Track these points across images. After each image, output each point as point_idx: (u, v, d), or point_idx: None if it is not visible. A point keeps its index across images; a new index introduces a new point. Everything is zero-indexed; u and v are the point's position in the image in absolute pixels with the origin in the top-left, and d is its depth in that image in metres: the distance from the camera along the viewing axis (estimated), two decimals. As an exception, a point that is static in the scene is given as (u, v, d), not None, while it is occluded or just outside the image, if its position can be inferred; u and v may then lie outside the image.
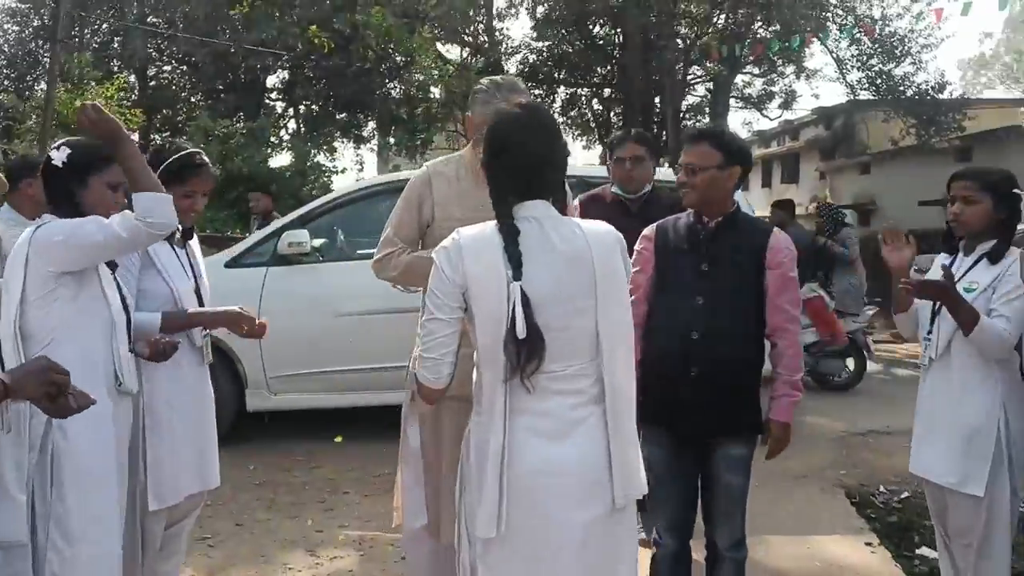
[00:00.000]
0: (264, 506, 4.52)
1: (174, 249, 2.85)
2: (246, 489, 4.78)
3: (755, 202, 28.91)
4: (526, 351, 1.89)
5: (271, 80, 26.62)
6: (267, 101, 27.18)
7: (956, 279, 2.77)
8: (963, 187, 2.78)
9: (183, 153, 2.82)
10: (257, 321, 2.92)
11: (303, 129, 24.70)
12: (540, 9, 20.29)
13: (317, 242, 5.89)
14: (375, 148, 27.63)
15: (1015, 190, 2.77)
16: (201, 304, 2.90)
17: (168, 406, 2.75)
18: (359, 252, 5.74)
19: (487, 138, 2.09)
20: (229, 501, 4.55)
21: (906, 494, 4.86)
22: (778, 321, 2.77)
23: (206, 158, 2.90)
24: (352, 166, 30.49)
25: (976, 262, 2.79)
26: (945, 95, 18.52)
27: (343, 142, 26.72)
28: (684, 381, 2.69)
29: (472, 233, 1.99)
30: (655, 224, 2.94)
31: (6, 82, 27.53)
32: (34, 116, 15.54)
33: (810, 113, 27.75)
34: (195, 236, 3.03)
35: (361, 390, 5.54)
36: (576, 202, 3.61)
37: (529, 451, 1.94)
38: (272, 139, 23.23)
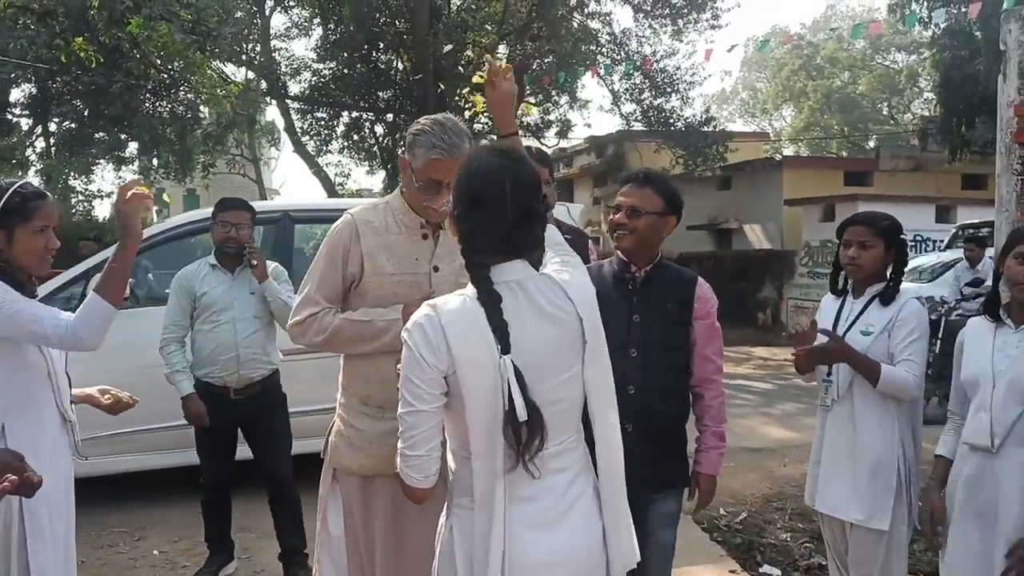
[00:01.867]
0: (91, 593, 3.94)
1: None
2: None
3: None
4: (527, 432, 1.68)
5: (15, 94, 24.14)
6: (8, 115, 24.60)
7: (851, 321, 2.92)
8: (859, 232, 2.94)
9: (20, 183, 2.39)
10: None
11: (54, 149, 22.55)
12: (320, 33, 19.84)
13: (132, 284, 5.30)
14: (137, 171, 25.75)
15: (902, 236, 2.97)
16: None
17: (50, 508, 2.35)
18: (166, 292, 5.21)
19: (460, 190, 1.83)
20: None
21: (744, 514, 5.10)
22: (705, 372, 2.77)
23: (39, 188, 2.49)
24: (113, 187, 28.16)
25: (867, 305, 2.95)
26: (709, 128, 20.07)
27: (101, 163, 24.67)
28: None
29: (451, 307, 1.74)
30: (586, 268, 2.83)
31: None
32: None
33: (583, 142, 29.13)
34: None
35: (180, 448, 4.99)
36: None
37: (528, 546, 1.75)
38: (18, 158, 21.03)
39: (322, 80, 21.11)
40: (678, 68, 19.83)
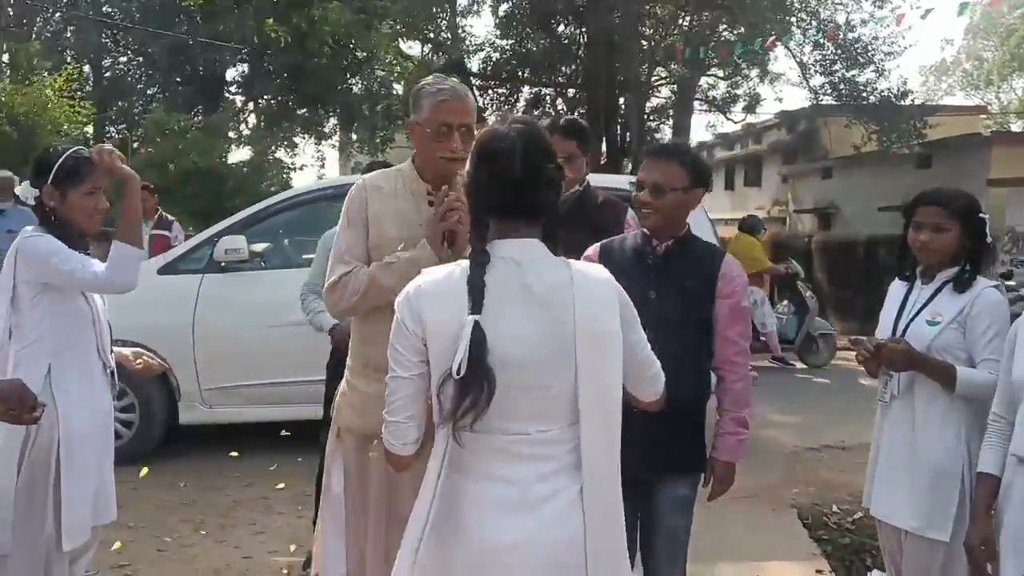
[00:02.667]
0: (190, 528, 4.27)
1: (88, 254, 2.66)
2: (174, 510, 4.53)
3: (719, 205, 29.04)
4: (460, 394, 1.61)
5: (231, 73, 26.21)
6: (226, 95, 26.75)
7: (917, 309, 2.63)
8: (932, 213, 2.61)
9: (75, 148, 2.62)
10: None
11: (263, 124, 24.29)
12: (503, 7, 20.08)
13: (260, 247, 5.65)
14: (336, 145, 27.30)
15: (980, 215, 2.63)
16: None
17: (83, 441, 2.54)
18: (305, 257, 5.50)
19: (473, 152, 1.80)
20: (153, 524, 4.30)
21: (859, 515, 4.74)
22: (727, 354, 2.60)
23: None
24: (313, 163, 30.10)
25: (937, 291, 2.64)
26: (907, 102, 18.61)
27: (304, 138, 26.35)
28: (626, 419, 2.49)
29: (436, 274, 1.74)
30: (599, 244, 2.71)
31: (-47, 71, 26.78)
32: (-19, 106, 15.04)
33: (774, 117, 27.88)
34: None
35: (299, 403, 5.29)
36: None
37: (489, 525, 1.68)
38: (231, 134, 22.85)
39: (503, 56, 21.45)
40: (875, 37, 18.46)
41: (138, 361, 2.81)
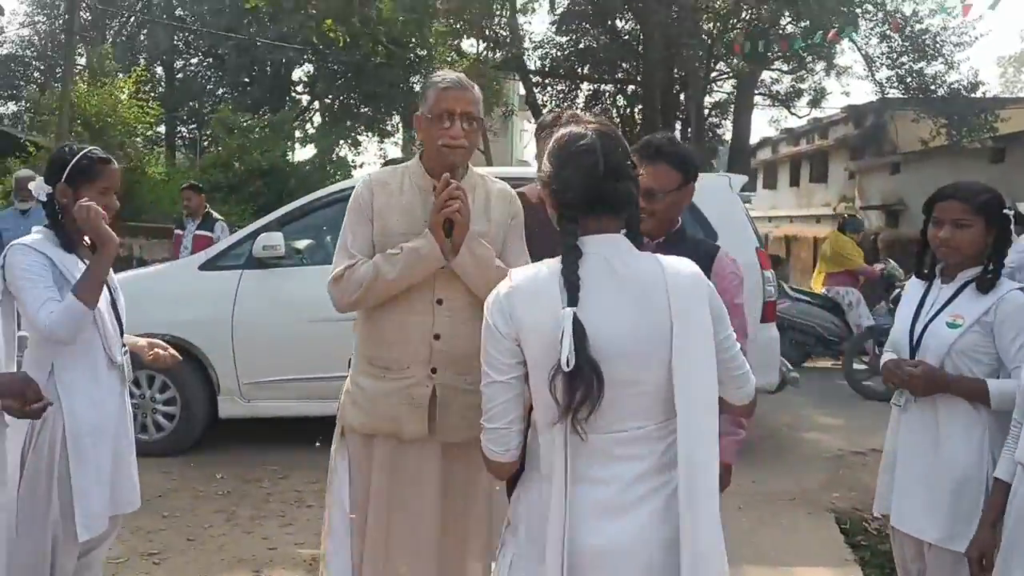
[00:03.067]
0: (223, 519, 4.35)
1: (85, 263, 2.67)
2: (208, 500, 4.62)
3: (784, 202, 28.42)
4: (572, 387, 1.60)
5: (297, 73, 26.72)
6: (293, 94, 27.26)
7: (936, 310, 2.53)
8: (953, 209, 2.49)
9: (86, 149, 2.66)
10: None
11: (327, 123, 24.69)
12: (561, 2, 20.00)
13: (301, 244, 5.73)
14: (399, 142, 27.58)
15: (1005, 210, 2.51)
16: (118, 316, 2.74)
17: (93, 433, 2.59)
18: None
19: (551, 152, 1.80)
20: (187, 513, 4.40)
21: (901, 520, 4.60)
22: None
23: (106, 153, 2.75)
24: (376, 160, 30.46)
25: (957, 292, 2.53)
26: (978, 95, 17.96)
27: (367, 136, 26.70)
28: None
29: (527, 274, 1.74)
30: None
31: (36, 74, 27.88)
32: (55, 108, 15.61)
33: (840, 111, 27.20)
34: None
35: (336, 398, 5.34)
36: None
37: (588, 529, 1.66)
38: (297, 133, 23.29)
39: (561, 52, 21.38)
40: (944, 28, 17.87)
41: (151, 353, 2.86)
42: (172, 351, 2.90)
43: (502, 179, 2.71)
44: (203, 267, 5.53)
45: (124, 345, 2.74)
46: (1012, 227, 2.53)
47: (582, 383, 1.60)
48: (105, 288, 2.66)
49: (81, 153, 2.64)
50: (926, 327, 2.54)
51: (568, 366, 1.59)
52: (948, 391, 2.44)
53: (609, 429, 1.67)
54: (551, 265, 1.73)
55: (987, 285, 2.48)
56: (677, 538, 1.65)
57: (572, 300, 1.64)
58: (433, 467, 2.49)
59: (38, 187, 2.61)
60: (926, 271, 2.67)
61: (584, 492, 1.66)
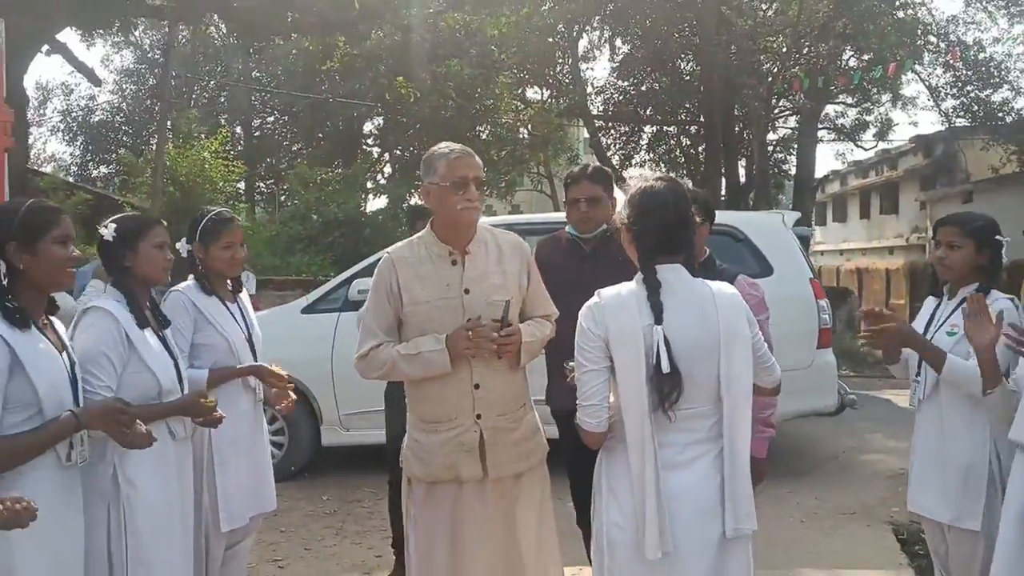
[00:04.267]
0: (332, 533, 4.89)
1: (224, 304, 3.23)
2: (318, 518, 5.18)
3: (854, 235, 27.96)
4: (668, 385, 2.20)
5: (367, 127, 27.78)
6: (364, 147, 28.34)
7: (941, 322, 2.92)
8: (947, 233, 2.93)
9: (213, 212, 3.24)
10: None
11: (397, 174, 25.62)
12: (622, 50, 20.58)
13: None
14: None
15: (997, 236, 2.91)
16: (254, 351, 3.29)
17: (231, 445, 3.13)
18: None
19: (633, 204, 2.36)
20: (301, 528, 4.95)
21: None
22: None
23: (232, 213, 3.30)
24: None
25: (958, 305, 2.92)
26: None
27: (437, 185, 27.43)
28: None
29: (612, 292, 2.31)
30: None
31: (124, 138, 29.45)
32: (147, 171, 16.69)
33: (908, 142, 27.08)
34: (243, 288, 3.44)
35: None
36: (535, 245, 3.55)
37: (663, 478, 2.23)
38: (368, 184, 24.21)
39: (623, 96, 21.91)
40: (1008, 55, 17.90)
41: (282, 405, 3.27)
42: (293, 399, 3.30)
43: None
44: (305, 311, 6.15)
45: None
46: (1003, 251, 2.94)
47: (673, 382, 2.20)
48: (243, 322, 3.23)
49: (208, 216, 3.22)
50: (933, 336, 2.95)
51: (666, 370, 2.18)
52: (915, 347, 2.85)
53: (677, 410, 2.23)
54: (629, 287, 2.30)
55: None
56: (719, 490, 2.27)
57: (658, 319, 2.22)
58: (490, 503, 2.76)
59: (182, 246, 3.17)
60: (938, 290, 3.08)
61: (658, 452, 2.24)
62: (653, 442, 2.24)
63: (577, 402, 2.30)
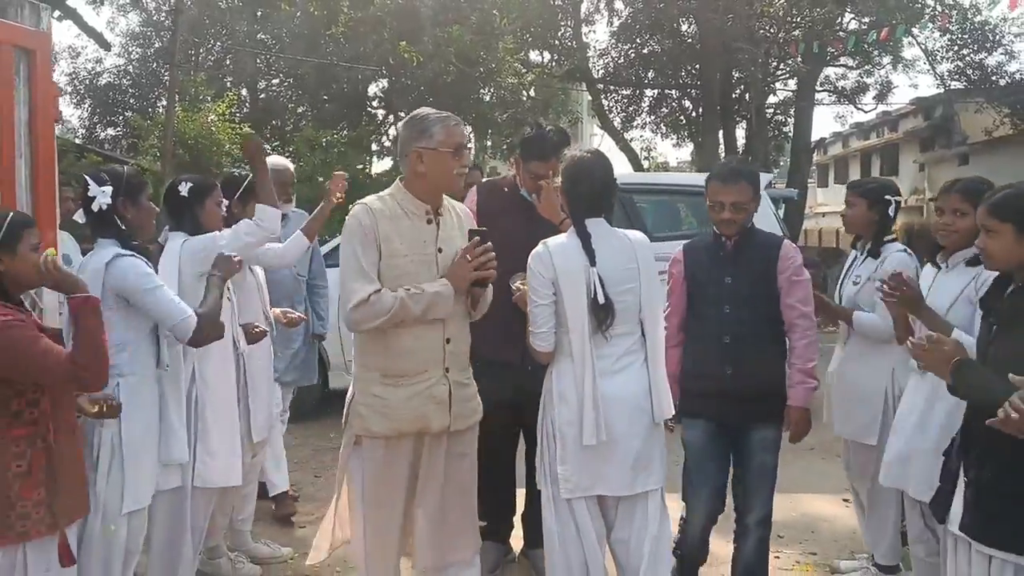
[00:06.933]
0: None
1: None
2: (325, 452, 5.73)
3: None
4: (604, 312, 2.81)
5: (372, 89, 27.99)
6: (369, 109, 28.57)
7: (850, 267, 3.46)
8: (846, 196, 3.56)
9: (251, 179, 3.79)
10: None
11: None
12: (623, 13, 20.74)
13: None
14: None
15: (887, 196, 3.40)
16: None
17: (257, 370, 3.72)
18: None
19: (567, 175, 2.94)
20: (311, 459, 5.53)
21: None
22: (789, 318, 3.16)
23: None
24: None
25: (861, 258, 3.56)
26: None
27: (440, 146, 27.67)
28: (719, 378, 3.16)
29: (555, 242, 2.91)
30: (682, 247, 3.39)
31: (131, 100, 29.71)
32: (155, 134, 17.05)
33: (908, 104, 27.28)
34: None
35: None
36: (472, 191, 3.69)
37: (603, 383, 2.83)
38: (373, 146, 24.50)
39: (625, 59, 22.09)
40: (1003, 19, 18.11)
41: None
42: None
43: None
44: (314, 266, 6.60)
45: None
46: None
47: (607, 309, 2.81)
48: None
49: (247, 182, 3.85)
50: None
51: (601, 300, 2.79)
52: (834, 316, 3.54)
53: (611, 330, 2.87)
54: (568, 237, 2.90)
55: (873, 251, 3.55)
56: (649, 386, 2.90)
57: (592, 262, 2.82)
58: (442, 454, 2.91)
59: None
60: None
61: (595, 363, 2.84)
62: (592, 356, 2.82)
63: (530, 330, 2.89)
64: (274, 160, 4.37)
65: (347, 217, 2.84)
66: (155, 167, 15.02)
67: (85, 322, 2.44)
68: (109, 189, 2.87)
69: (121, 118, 28.15)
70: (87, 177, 2.88)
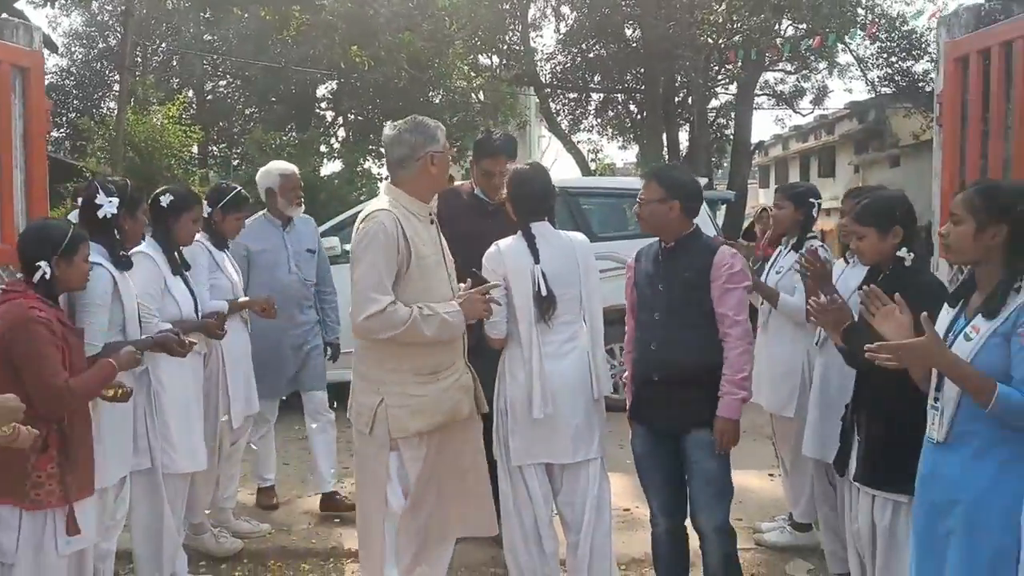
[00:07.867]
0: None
1: (225, 254, 4.15)
2: (292, 442, 6.13)
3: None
4: (546, 303, 3.28)
5: (321, 90, 28.00)
6: (317, 111, 28.53)
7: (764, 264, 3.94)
8: (775, 199, 4.03)
9: (236, 191, 4.13)
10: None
11: (352, 138, 25.96)
12: (568, 15, 21.20)
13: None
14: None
15: (811, 199, 3.88)
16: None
17: (234, 364, 4.07)
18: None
19: (512, 184, 3.39)
20: (280, 449, 5.79)
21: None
22: (722, 328, 3.16)
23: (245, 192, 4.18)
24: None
25: (785, 251, 4.07)
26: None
27: (390, 149, 27.75)
28: (649, 384, 3.30)
29: (506, 243, 3.37)
30: (639, 250, 3.49)
31: (75, 102, 29.23)
32: (102, 136, 16.94)
33: (844, 107, 28.27)
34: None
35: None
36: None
37: (548, 367, 3.28)
38: (322, 148, 24.52)
39: (572, 63, 22.56)
40: (929, 29, 18.95)
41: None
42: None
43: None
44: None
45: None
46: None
47: (550, 300, 3.27)
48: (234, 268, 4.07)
49: (234, 191, 4.16)
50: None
51: (544, 293, 3.26)
52: (763, 294, 4.02)
53: (555, 318, 3.33)
54: (516, 239, 3.35)
55: (797, 245, 4.09)
56: (588, 369, 3.38)
57: (537, 260, 3.31)
58: (467, 438, 3.26)
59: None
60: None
61: (542, 348, 3.32)
62: (538, 342, 3.30)
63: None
64: (280, 165, 4.69)
65: (368, 224, 2.84)
66: (104, 170, 14.99)
67: (101, 373, 2.92)
68: (116, 201, 3.22)
69: (64, 119, 27.64)
70: (97, 185, 3.24)
